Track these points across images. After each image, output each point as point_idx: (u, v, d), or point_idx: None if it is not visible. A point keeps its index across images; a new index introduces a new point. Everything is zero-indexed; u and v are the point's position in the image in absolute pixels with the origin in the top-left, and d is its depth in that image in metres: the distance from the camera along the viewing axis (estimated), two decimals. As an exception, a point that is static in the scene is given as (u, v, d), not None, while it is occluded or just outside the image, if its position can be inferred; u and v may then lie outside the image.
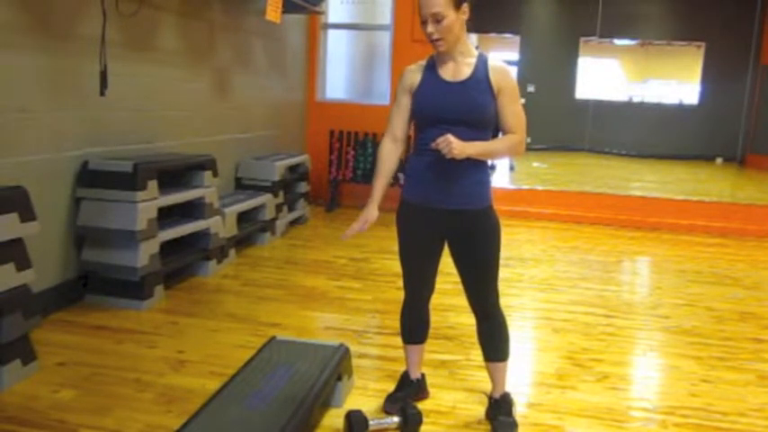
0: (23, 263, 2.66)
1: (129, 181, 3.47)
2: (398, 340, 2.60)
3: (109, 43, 3.55)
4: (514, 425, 2.39)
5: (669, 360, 3.23)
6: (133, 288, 3.52)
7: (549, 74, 12.70)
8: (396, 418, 2.37)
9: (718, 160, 12.14)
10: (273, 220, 5.29)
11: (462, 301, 2.45)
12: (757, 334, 3.63)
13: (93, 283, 3.58)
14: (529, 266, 4.84)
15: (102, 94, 3.50)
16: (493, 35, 12.99)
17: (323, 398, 2.35)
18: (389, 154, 2.35)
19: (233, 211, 4.60)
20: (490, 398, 2.49)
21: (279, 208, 5.38)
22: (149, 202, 3.55)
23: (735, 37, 12.03)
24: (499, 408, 2.44)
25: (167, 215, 3.91)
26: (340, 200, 6.92)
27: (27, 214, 2.72)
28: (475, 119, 2.19)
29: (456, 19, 2.12)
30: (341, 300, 3.90)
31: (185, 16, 4.54)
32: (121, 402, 2.50)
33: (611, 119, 12.89)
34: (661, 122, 12.72)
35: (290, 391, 2.26)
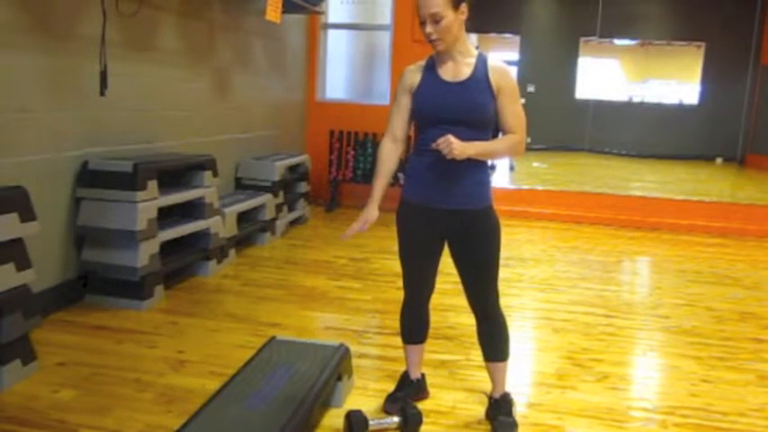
0: (23, 263, 2.66)
1: (129, 181, 3.47)
2: (398, 340, 2.60)
3: (109, 43, 3.55)
4: (514, 425, 2.39)
5: (669, 360, 3.23)
6: (133, 288, 3.52)
7: (549, 74, 12.70)
8: (396, 418, 2.37)
9: (718, 160, 12.14)
10: (273, 220, 5.29)
11: (462, 301, 2.45)
12: (757, 334, 3.63)
13: (93, 283, 3.58)
14: (529, 266, 4.84)
15: (102, 94, 3.50)
16: (493, 35, 12.99)
17: (323, 398, 2.35)
18: (389, 154, 2.35)
19: (233, 211, 4.60)
20: (490, 398, 2.49)
21: (279, 208, 5.38)
22: (149, 202, 3.55)
23: (735, 37, 12.03)
24: (499, 408, 2.44)
25: (167, 215, 3.91)
26: (340, 200, 6.92)
27: (27, 214, 2.72)
28: (475, 119, 2.19)
29: (455, 19, 2.12)
30: (341, 300, 3.90)
31: (185, 16, 4.54)
32: (121, 402, 2.50)
33: (611, 119, 12.89)
34: (661, 122, 12.72)
35: (290, 391, 2.26)
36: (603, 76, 13.45)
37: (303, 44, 6.89)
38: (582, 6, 12.49)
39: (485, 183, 2.29)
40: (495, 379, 2.47)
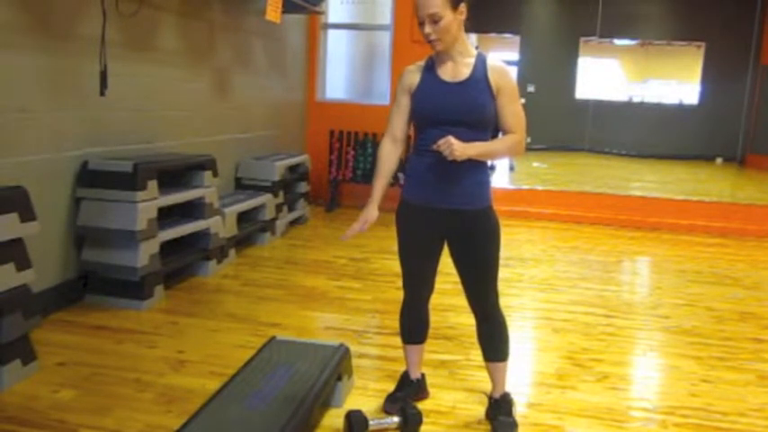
0: (23, 263, 2.66)
1: (129, 181, 3.47)
2: (398, 340, 2.59)
3: (109, 43, 3.55)
4: (514, 425, 2.39)
5: (669, 360, 3.23)
6: (133, 288, 3.52)
7: (549, 74, 12.69)
8: (396, 418, 2.37)
9: (718, 160, 12.14)
10: (273, 220, 5.29)
11: (462, 301, 2.44)
12: (757, 334, 3.63)
13: (93, 283, 3.58)
14: (529, 266, 4.84)
15: (102, 94, 3.50)
16: (493, 35, 12.99)
17: (323, 398, 2.35)
18: (389, 154, 2.35)
19: (233, 211, 4.60)
20: (490, 398, 2.49)
21: (279, 208, 5.38)
22: (149, 202, 3.55)
23: (735, 37, 12.03)
24: (499, 408, 2.44)
25: (167, 215, 3.91)
26: (340, 200, 6.92)
27: (27, 214, 2.72)
28: (474, 119, 2.19)
29: (453, 19, 2.12)
30: (341, 300, 3.90)
31: (185, 16, 4.54)
32: (121, 402, 2.50)
33: (611, 119, 12.89)
34: (661, 122, 12.72)
35: (290, 391, 2.26)
36: (603, 76, 13.45)
37: (303, 44, 6.89)
38: (582, 6, 12.49)
39: (485, 183, 2.30)
40: (495, 379, 2.47)
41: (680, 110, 12.95)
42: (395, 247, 2.44)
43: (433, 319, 2.62)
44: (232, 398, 2.22)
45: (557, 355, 3.19)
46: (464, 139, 2.13)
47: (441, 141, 2.10)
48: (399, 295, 2.51)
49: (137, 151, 3.98)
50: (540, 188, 7.21)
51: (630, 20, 12.50)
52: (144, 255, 3.49)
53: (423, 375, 2.64)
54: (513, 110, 2.22)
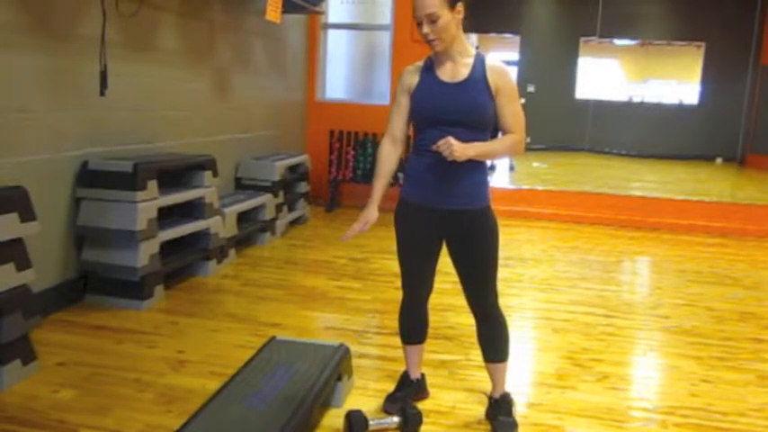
0: (23, 263, 2.66)
1: (129, 181, 3.47)
2: (398, 340, 2.59)
3: (109, 43, 3.55)
4: (514, 425, 2.39)
5: (669, 360, 3.23)
6: (133, 288, 3.52)
7: (549, 74, 12.69)
8: (396, 418, 2.38)
9: (718, 160, 12.14)
10: (273, 220, 5.29)
11: (462, 300, 2.44)
12: (757, 334, 3.63)
13: (93, 283, 3.58)
14: (529, 266, 4.84)
15: (102, 94, 3.50)
16: (493, 35, 12.99)
17: (323, 398, 2.35)
18: (389, 155, 2.35)
19: (233, 211, 4.60)
20: (490, 398, 2.49)
21: (279, 208, 5.38)
22: (149, 202, 3.55)
23: (735, 37, 12.03)
24: (499, 408, 2.44)
25: (167, 215, 3.91)
26: (340, 200, 6.92)
27: (27, 214, 2.72)
28: (474, 120, 2.19)
29: (451, 18, 2.12)
30: (341, 300, 3.90)
31: (185, 16, 4.54)
32: (121, 402, 2.50)
33: (611, 119, 12.89)
34: (661, 122, 12.72)
35: (290, 391, 2.26)
36: (603, 76, 13.45)
37: (303, 44, 6.89)
38: (582, 6, 12.49)
39: (483, 183, 2.29)
40: (495, 379, 2.47)
41: (680, 110, 12.95)
42: (394, 248, 2.44)
43: (433, 318, 2.62)
44: (232, 398, 2.22)
45: (557, 355, 3.19)
46: (463, 139, 2.12)
47: (440, 142, 2.10)
48: (399, 295, 2.51)
49: (137, 151, 3.98)
50: (540, 188, 7.21)
51: (630, 20, 12.50)
52: (144, 255, 3.49)
53: (423, 375, 2.64)
54: (512, 110, 2.22)
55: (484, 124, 2.21)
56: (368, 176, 6.40)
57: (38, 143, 3.26)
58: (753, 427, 2.56)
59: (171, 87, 4.43)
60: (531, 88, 12.29)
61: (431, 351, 3.00)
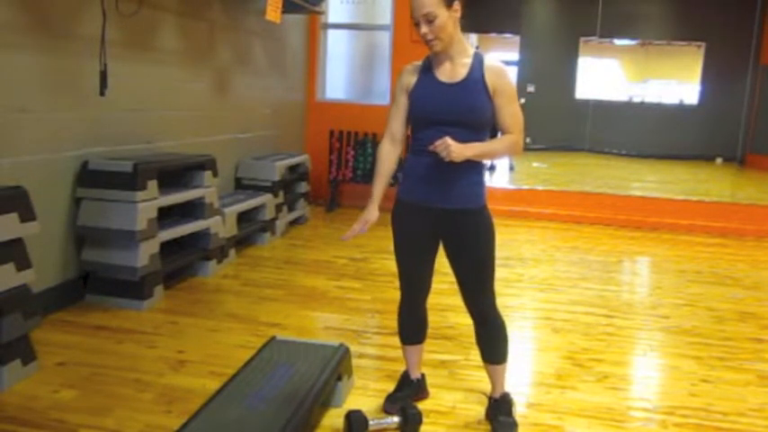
0: (23, 263, 2.66)
1: (129, 181, 3.47)
2: (398, 340, 2.59)
3: (109, 43, 3.55)
4: (514, 425, 2.39)
5: (669, 360, 3.23)
6: (133, 288, 3.52)
7: (549, 74, 12.70)
8: (396, 418, 2.38)
9: (718, 160, 12.14)
10: (273, 220, 5.29)
11: (461, 300, 2.44)
12: (757, 334, 3.63)
13: (93, 283, 3.58)
14: (529, 266, 4.84)
15: (102, 94, 3.50)
16: (493, 35, 12.99)
17: (323, 398, 2.35)
18: (388, 154, 2.35)
19: (233, 211, 4.60)
20: (490, 398, 2.49)
21: (279, 208, 5.38)
22: (149, 202, 3.55)
23: (735, 37, 12.03)
24: (499, 408, 2.43)
25: (167, 215, 3.91)
26: (340, 200, 6.92)
27: (27, 214, 2.72)
28: (471, 120, 2.18)
29: (449, 17, 2.11)
30: (341, 300, 3.90)
31: (185, 16, 4.54)
32: (121, 402, 2.50)
33: (611, 119, 12.89)
34: (661, 122, 12.72)
35: (290, 391, 2.26)
36: (603, 76, 13.45)
37: (303, 44, 6.89)
38: (582, 6, 12.49)
39: (480, 183, 2.29)
40: (495, 380, 2.46)
41: (680, 110, 12.95)
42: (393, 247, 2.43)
43: (433, 319, 2.62)
44: (232, 398, 2.22)
45: (557, 355, 3.19)
46: (461, 139, 2.12)
47: (438, 143, 2.09)
48: (398, 295, 2.51)
49: (137, 151, 3.98)
50: (540, 188, 7.21)
51: (630, 20, 12.50)
52: (144, 255, 3.50)
53: (423, 375, 2.64)
54: (510, 110, 2.21)
55: (482, 124, 2.21)
56: (368, 176, 6.40)
57: (38, 143, 3.26)
58: (753, 427, 2.56)
59: (171, 87, 4.43)
60: (531, 88, 12.29)
61: (431, 351, 3.01)
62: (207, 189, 4.21)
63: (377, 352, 3.13)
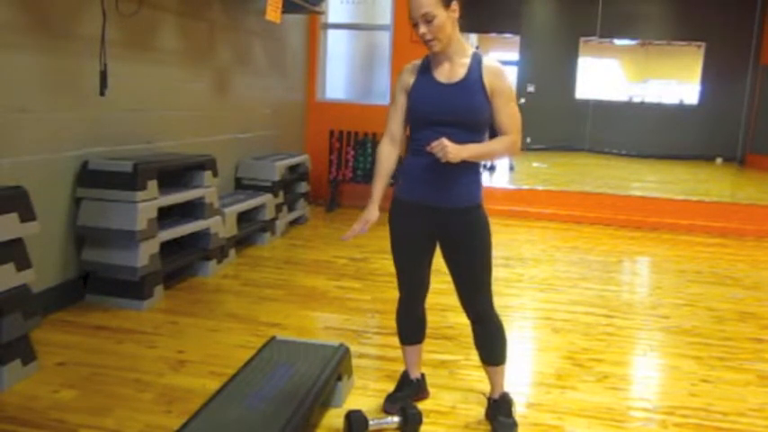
0: (23, 263, 2.67)
1: (129, 181, 3.47)
2: (398, 340, 2.59)
3: (109, 43, 3.55)
4: (514, 425, 2.39)
5: (669, 360, 3.23)
6: (133, 288, 3.52)
7: (549, 74, 12.69)
8: (396, 418, 2.38)
9: (718, 160, 12.14)
10: (273, 220, 5.29)
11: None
12: (757, 334, 3.63)
13: (93, 283, 3.58)
14: (529, 266, 4.84)
15: (102, 94, 3.50)
16: (493, 35, 12.99)
17: (323, 398, 2.35)
18: (388, 154, 2.35)
19: (233, 211, 4.60)
20: (489, 398, 2.49)
21: (279, 208, 5.39)
22: (149, 202, 3.55)
23: (735, 37, 12.03)
24: (499, 408, 2.43)
25: (167, 215, 3.91)
26: (340, 200, 6.92)
27: (27, 214, 2.72)
28: (469, 120, 2.18)
29: (447, 17, 2.11)
30: (341, 300, 3.90)
31: (185, 16, 4.54)
32: (121, 402, 2.50)
33: (611, 119, 12.89)
34: (661, 122, 12.72)
35: (290, 391, 2.26)
36: (603, 76, 13.45)
37: (303, 44, 6.89)
38: (582, 6, 12.49)
39: (476, 182, 2.28)
40: (494, 381, 2.46)
41: (680, 110, 12.95)
42: (392, 247, 2.43)
43: (432, 318, 2.62)
44: (232, 398, 2.22)
45: (557, 355, 3.19)
46: (458, 140, 2.12)
47: (434, 143, 2.09)
48: (398, 295, 2.51)
49: (137, 151, 3.98)
50: (540, 188, 7.21)
51: (630, 20, 12.50)
52: (144, 255, 3.50)
53: (423, 375, 2.64)
54: (508, 111, 2.20)
55: (479, 125, 2.21)
56: (368, 176, 6.40)
57: (38, 143, 3.26)
58: (753, 427, 2.56)
59: (171, 87, 4.43)
60: (531, 88, 12.29)
61: (431, 351, 3.01)
62: (207, 189, 4.21)
63: (377, 352, 3.13)
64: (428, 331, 2.59)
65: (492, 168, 8.67)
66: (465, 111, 2.17)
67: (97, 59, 3.49)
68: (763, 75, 11.50)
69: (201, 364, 2.89)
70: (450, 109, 2.17)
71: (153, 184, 3.59)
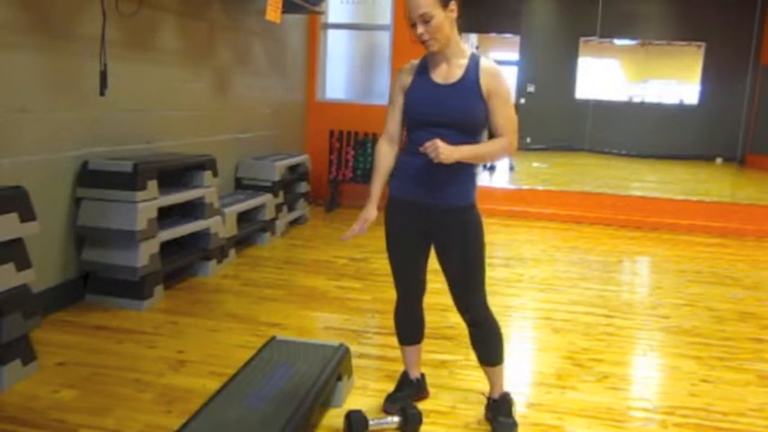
0: (23, 263, 2.67)
1: (129, 181, 3.47)
2: (397, 340, 2.59)
3: (109, 43, 3.55)
4: (514, 425, 2.39)
5: (669, 360, 3.23)
6: (133, 288, 3.52)
7: (549, 74, 12.70)
8: (396, 418, 2.38)
9: (718, 160, 12.15)
10: (273, 220, 5.29)
11: (459, 301, 2.44)
12: (757, 334, 3.63)
13: (93, 283, 3.58)
14: (529, 266, 4.84)
15: (102, 94, 3.50)
16: (493, 35, 13.00)
17: (323, 398, 2.35)
18: (387, 153, 2.35)
19: (233, 211, 4.60)
20: (489, 398, 2.48)
21: (279, 208, 5.39)
22: (149, 202, 3.55)
23: (735, 37, 12.04)
24: (499, 408, 2.43)
25: (167, 215, 3.91)
26: (340, 200, 6.92)
27: (27, 214, 2.72)
28: (464, 122, 2.17)
29: (445, 17, 2.11)
30: (341, 300, 3.90)
31: (185, 16, 4.54)
32: (121, 402, 2.50)
33: (611, 119, 12.90)
34: (661, 122, 12.73)
35: (290, 391, 2.26)
36: (603, 76, 13.45)
37: (303, 44, 6.89)
38: (582, 6, 12.50)
39: (470, 181, 2.28)
40: (492, 381, 2.46)
41: (680, 110, 12.96)
42: (392, 248, 2.43)
43: (432, 319, 2.62)
44: (232, 398, 2.22)
45: (557, 355, 3.19)
46: (453, 141, 2.11)
47: (427, 144, 2.08)
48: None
49: (137, 151, 3.98)
50: (540, 188, 7.21)
51: (630, 20, 12.51)
52: (144, 255, 3.50)
53: (422, 375, 2.64)
54: (504, 112, 2.20)
55: (474, 127, 2.20)
56: (367, 176, 6.40)
57: (38, 143, 3.26)
58: (753, 427, 2.56)
59: (171, 87, 4.43)
60: (531, 88, 12.30)
61: (431, 351, 3.01)
62: (207, 189, 4.21)
63: (377, 352, 3.13)
64: (428, 331, 2.59)
65: (492, 168, 8.67)
66: (460, 112, 2.16)
67: (97, 59, 3.49)
68: (763, 75, 11.50)
69: (201, 364, 2.89)
70: (444, 110, 2.16)
71: (153, 184, 3.59)
